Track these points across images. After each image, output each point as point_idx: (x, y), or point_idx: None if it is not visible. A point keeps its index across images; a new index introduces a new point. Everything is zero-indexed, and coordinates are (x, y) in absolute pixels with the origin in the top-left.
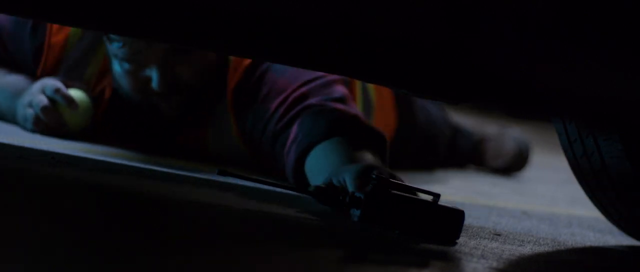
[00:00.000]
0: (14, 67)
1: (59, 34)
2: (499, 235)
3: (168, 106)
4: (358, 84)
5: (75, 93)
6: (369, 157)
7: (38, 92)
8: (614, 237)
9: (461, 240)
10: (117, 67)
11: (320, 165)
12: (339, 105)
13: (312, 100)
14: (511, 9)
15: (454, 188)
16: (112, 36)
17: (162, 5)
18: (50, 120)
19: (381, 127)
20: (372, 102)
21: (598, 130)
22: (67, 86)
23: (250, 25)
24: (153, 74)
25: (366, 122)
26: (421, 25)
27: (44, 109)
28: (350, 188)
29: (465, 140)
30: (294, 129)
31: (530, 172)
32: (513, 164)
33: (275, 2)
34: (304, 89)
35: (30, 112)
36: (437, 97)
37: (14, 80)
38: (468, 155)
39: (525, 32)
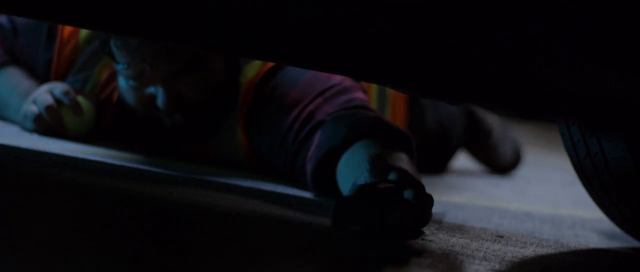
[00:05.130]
0: (30, 71)
1: (68, 44)
2: (501, 237)
3: (172, 122)
4: None
5: (82, 100)
6: (403, 158)
7: (45, 91)
8: (617, 239)
9: (463, 242)
10: (122, 82)
11: (354, 170)
12: (359, 110)
13: (330, 109)
14: (513, 9)
15: (456, 189)
16: (117, 57)
17: (161, 5)
18: (52, 120)
19: (394, 120)
20: (388, 95)
21: (601, 131)
22: (76, 93)
23: (250, 25)
24: (158, 92)
25: (390, 123)
26: (422, 25)
27: (49, 108)
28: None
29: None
30: (315, 139)
31: (533, 173)
32: (510, 165)
33: (275, 2)
34: (319, 101)
35: (32, 108)
36: (438, 97)
37: (27, 83)
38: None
39: (527, 32)
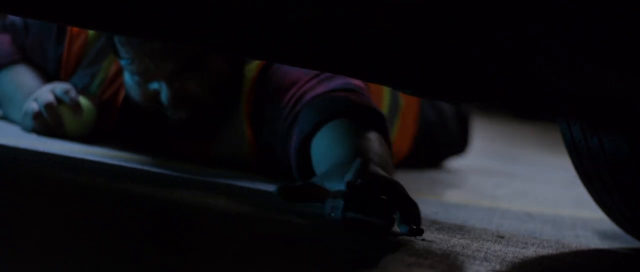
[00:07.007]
0: (40, 69)
1: (78, 38)
2: (502, 237)
3: (177, 117)
4: (386, 88)
5: (83, 101)
6: (372, 137)
7: (47, 90)
8: (618, 239)
9: (464, 242)
10: (127, 77)
11: (323, 158)
12: (341, 94)
13: (323, 89)
14: (513, 9)
15: (457, 189)
16: (121, 53)
17: (162, 5)
18: (51, 118)
19: (404, 131)
20: (400, 103)
21: (603, 131)
22: (78, 93)
23: (250, 25)
24: (162, 88)
25: (362, 102)
26: (422, 25)
27: (48, 106)
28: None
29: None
30: (297, 127)
31: (533, 174)
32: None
33: (275, 2)
34: (313, 82)
35: (33, 106)
36: (438, 97)
37: (34, 82)
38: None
39: (527, 32)
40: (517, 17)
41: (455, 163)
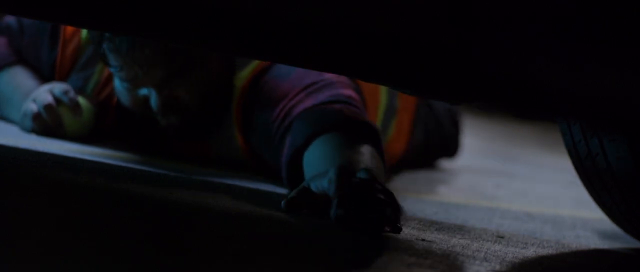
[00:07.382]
0: (36, 71)
1: (71, 42)
2: (502, 237)
3: (167, 122)
4: (383, 89)
5: (82, 100)
6: (365, 151)
7: (45, 91)
8: (618, 239)
9: (464, 242)
10: (117, 83)
11: (314, 170)
12: (332, 106)
13: (310, 103)
14: (513, 9)
15: (457, 189)
16: (110, 60)
17: (162, 5)
18: (50, 119)
19: (400, 130)
20: (396, 106)
21: (603, 131)
22: (76, 94)
23: (250, 25)
24: (152, 94)
25: (356, 116)
26: (422, 25)
27: (48, 107)
28: (332, 190)
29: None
30: (288, 139)
31: (533, 174)
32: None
33: (275, 2)
34: (301, 95)
35: (32, 107)
36: (439, 97)
37: (31, 82)
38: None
39: (527, 32)
40: (517, 17)
41: (454, 163)
